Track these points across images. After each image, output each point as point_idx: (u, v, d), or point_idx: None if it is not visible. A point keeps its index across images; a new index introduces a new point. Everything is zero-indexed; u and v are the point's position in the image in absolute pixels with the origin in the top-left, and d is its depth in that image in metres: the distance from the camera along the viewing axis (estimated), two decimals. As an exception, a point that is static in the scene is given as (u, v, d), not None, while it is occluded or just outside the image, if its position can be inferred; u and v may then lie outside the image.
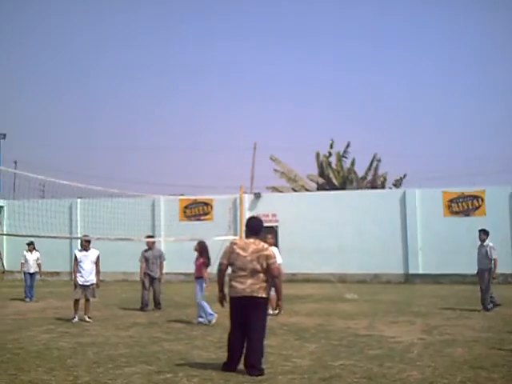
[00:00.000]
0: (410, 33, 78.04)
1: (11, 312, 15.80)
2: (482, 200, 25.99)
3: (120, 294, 21.00)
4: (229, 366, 8.32)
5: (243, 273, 8.22)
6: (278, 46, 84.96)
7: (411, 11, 74.75)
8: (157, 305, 16.42)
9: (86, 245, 14.39)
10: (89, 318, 13.84)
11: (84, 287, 14.02)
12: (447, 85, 75.33)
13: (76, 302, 14.02)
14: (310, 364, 8.82)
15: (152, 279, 16.57)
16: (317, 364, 8.81)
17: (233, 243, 8.58)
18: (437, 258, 25.80)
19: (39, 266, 19.78)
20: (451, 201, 26.40)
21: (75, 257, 14.32)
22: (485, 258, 15.40)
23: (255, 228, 8.61)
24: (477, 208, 26.04)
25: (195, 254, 13.83)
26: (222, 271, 8.45)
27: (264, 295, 8.21)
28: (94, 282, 14.16)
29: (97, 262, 14.29)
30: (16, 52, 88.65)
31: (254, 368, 8.09)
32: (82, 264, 14.07)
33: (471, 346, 10.28)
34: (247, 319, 8.18)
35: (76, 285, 14.10)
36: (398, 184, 38.13)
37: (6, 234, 32.80)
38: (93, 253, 14.28)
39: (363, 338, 11.13)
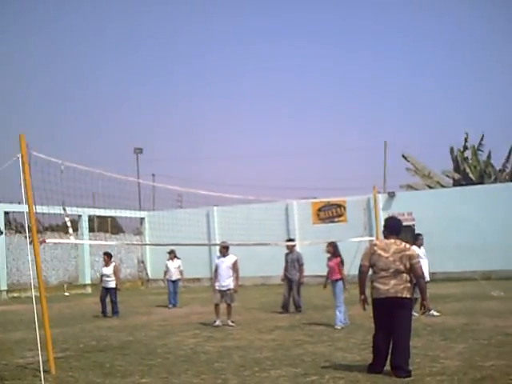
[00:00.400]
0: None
1: (158, 318, 16.43)
2: None
3: (259, 298, 21.28)
4: (375, 367, 8.19)
5: (386, 273, 8.05)
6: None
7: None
8: (297, 308, 16.52)
9: (223, 251, 14.68)
10: (232, 322, 14.10)
11: (222, 292, 14.30)
12: None
13: (216, 306, 14.33)
14: (459, 365, 8.50)
15: (291, 282, 16.75)
16: (466, 365, 8.48)
17: (373, 244, 8.46)
18: None
19: (181, 273, 20.45)
20: None
21: (216, 263, 14.69)
22: None
23: (395, 228, 8.48)
24: None
25: (326, 255, 13.73)
26: (363, 273, 8.30)
27: (408, 295, 8.03)
28: (231, 286, 14.33)
29: (234, 268, 14.43)
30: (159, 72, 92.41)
31: (400, 369, 7.91)
32: (219, 269, 14.39)
33: None
34: (392, 320, 8.02)
35: (214, 290, 14.46)
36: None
37: (148, 244, 34.32)
38: (229, 258, 14.52)
39: (514, 337, 10.63)
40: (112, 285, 17.80)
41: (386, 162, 41.06)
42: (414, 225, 27.27)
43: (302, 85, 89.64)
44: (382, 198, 27.95)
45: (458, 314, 14.23)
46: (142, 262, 33.69)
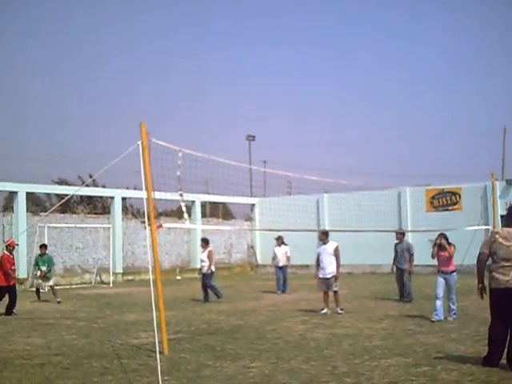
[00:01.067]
0: None
1: (267, 304, 16.57)
2: None
3: (369, 286, 21.03)
4: (490, 360, 7.88)
5: (506, 263, 7.70)
6: None
7: None
8: (405, 296, 16.29)
9: (322, 238, 14.47)
10: (341, 309, 13.99)
11: (326, 280, 14.16)
12: None
13: (325, 294, 14.25)
14: None
15: (401, 271, 16.57)
16: None
17: (494, 232, 8.08)
18: None
19: (288, 259, 20.43)
20: None
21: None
22: None
23: None
24: None
25: (431, 247, 13.07)
26: (482, 261, 7.98)
27: None
28: (335, 273, 14.13)
29: (336, 254, 14.17)
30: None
31: None
32: (321, 257, 14.25)
33: None
34: (510, 312, 7.71)
35: (318, 278, 14.40)
36: None
37: (258, 229, 34.68)
38: (331, 245, 14.28)
39: None
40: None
41: (504, 148, 39.46)
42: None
43: (414, 69, 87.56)
44: (499, 186, 26.82)
45: None
46: (252, 247, 34.10)
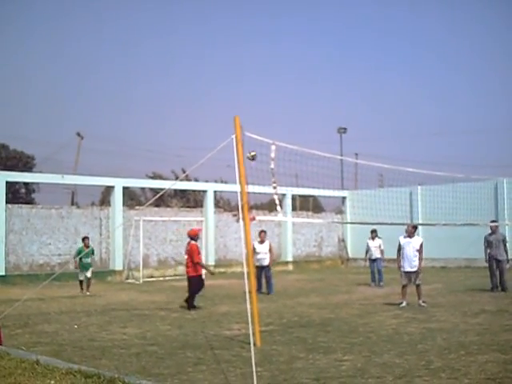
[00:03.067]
0: None
1: (359, 297, 16.44)
2: None
3: (464, 281, 20.50)
4: None
5: None
6: None
7: None
8: (502, 288, 16.33)
9: (411, 231, 14.38)
10: (423, 302, 13.91)
11: (409, 274, 14.12)
12: None
13: (404, 287, 14.21)
14: None
15: (498, 262, 16.54)
16: None
17: None
18: None
19: (382, 252, 20.26)
20: None
21: (399, 243, 14.35)
22: None
23: None
24: None
25: None
26: None
27: None
28: (418, 267, 14.10)
29: (420, 250, 14.18)
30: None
31: None
32: (404, 251, 14.19)
33: None
34: None
35: (401, 271, 14.31)
36: None
37: (348, 223, 34.40)
38: (416, 240, 14.30)
39: None
40: (266, 262, 18.07)
41: None
42: None
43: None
44: None
45: None
46: (343, 240, 33.86)
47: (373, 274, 19.99)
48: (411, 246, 14.16)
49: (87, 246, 18.99)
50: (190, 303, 14.33)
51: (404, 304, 13.95)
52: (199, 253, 14.81)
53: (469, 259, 27.02)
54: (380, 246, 20.28)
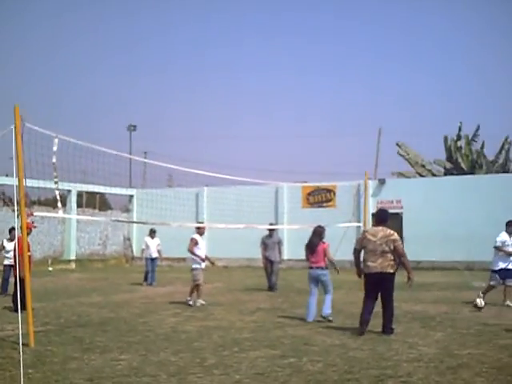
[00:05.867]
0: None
1: (141, 296, 16.42)
2: None
3: (244, 280, 21.30)
4: (362, 326, 10.05)
5: (374, 254, 10.07)
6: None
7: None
8: (272, 287, 17.36)
9: (201, 231, 14.68)
10: (202, 300, 14.26)
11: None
12: None
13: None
14: (436, 352, 8.56)
15: (272, 263, 17.60)
16: (443, 352, 8.54)
17: (364, 231, 10.67)
18: None
19: (159, 252, 20.47)
20: None
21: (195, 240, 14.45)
22: None
23: (383, 218, 10.50)
24: None
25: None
26: (356, 252, 10.47)
27: (391, 271, 10.03)
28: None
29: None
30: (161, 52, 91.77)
31: (387, 328, 10.06)
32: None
33: None
34: (378, 290, 10.15)
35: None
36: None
37: (134, 222, 34.20)
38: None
39: (492, 328, 10.66)
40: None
41: (378, 148, 41.01)
42: (401, 212, 27.36)
43: (299, 73, 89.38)
44: (372, 185, 27.90)
45: (439, 303, 14.30)
46: (128, 239, 33.62)
47: (147, 273, 20.08)
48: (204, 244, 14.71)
49: None
50: None
51: (191, 303, 14.11)
52: None
53: (249, 259, 28.11)
54: (158, 245, 20.43)
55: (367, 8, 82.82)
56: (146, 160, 23.80)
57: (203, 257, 14.32)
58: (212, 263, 15.24)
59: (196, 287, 14.30)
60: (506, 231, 14.15)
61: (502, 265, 13.85)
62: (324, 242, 11.97)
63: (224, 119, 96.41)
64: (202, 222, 21.69)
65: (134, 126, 50.29)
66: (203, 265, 14.35)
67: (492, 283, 13.97)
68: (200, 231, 14.61)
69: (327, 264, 11.87)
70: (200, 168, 15.49)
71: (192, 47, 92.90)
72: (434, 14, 79.64)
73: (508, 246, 13.94)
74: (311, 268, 11.88)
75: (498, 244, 14.02)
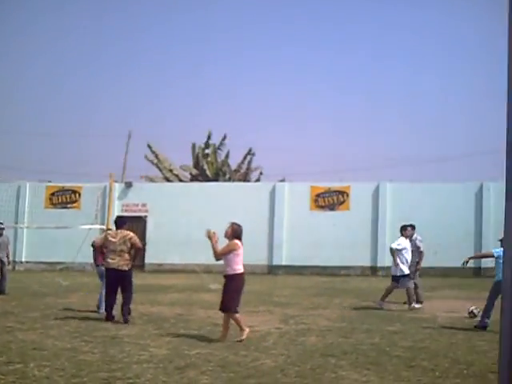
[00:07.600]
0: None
1: None
2: (347, 195, 26.95)
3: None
4: (109, 316, 11.64)
5: (114, 253, 11.70)
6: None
7: None
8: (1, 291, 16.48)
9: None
10: None
11: None
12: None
13: None
14: (167, 353, 8.82)
15: (3, 264, 16.80)
16: (173, 353, 8.83)
17: (107, 233, 12.33)
18: (300, 251, 26.47)
19: None
20: (318, 195, 27.17)
21: None
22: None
23: (121, 223, 12.29)
24: (342, 203, 26.99)
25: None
26: (97, 250, 12.69)
27: (127, 268, 11.74)
28: None
29: None
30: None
31: (125, 317, 11.55)
32: None
33: (324, 334, 10.62)
34: (118, 284, 11.78)
35: None
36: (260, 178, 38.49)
37: None
38: None
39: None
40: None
41: (127, 151, 41.13)
42: (146, 216, 27.71)
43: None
44: (118, 187, 27.92)
45: (175, 305, 14.73)
46: None
47: None
48: None
49: None
50: None
51: None
52: None
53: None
54: None
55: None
56: None
57: None
58: None
59: None
60: (403, 236, 14.41)
61: (405, 269, 14.10)
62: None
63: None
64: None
65: None
66: None
67: (409, 285, 14.15)
68: None
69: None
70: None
71: None
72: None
73: (407, 250, 14.23)
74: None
75: (398, 248, 14.14)
